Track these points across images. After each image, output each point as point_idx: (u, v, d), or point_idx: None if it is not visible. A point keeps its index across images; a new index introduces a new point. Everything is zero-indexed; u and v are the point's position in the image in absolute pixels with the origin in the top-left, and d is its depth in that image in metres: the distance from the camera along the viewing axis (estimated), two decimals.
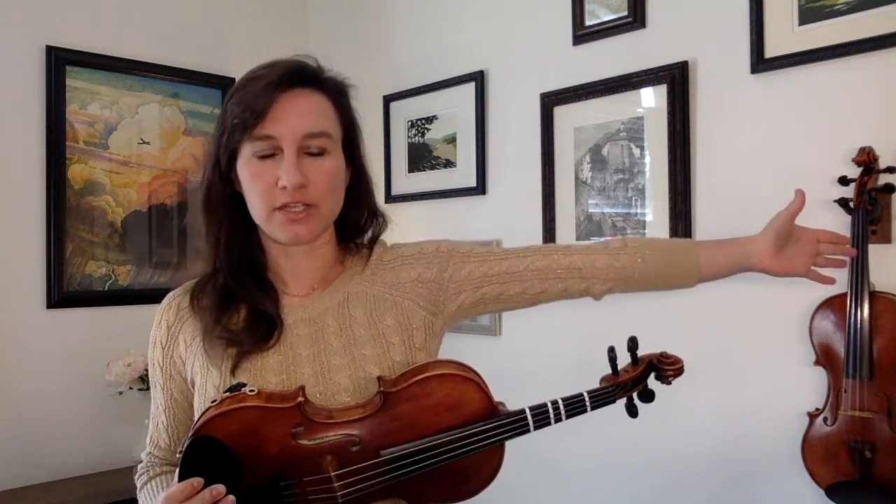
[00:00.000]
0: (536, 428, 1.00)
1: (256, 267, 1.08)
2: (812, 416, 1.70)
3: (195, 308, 1.08)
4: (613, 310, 2.13)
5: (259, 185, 1.00)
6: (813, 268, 1.19)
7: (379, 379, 0.99)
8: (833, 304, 1.67)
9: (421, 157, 2.69)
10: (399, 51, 2.79)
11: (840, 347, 1.64)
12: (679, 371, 1.09)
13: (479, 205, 2.51)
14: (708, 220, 1.94)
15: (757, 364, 1.86)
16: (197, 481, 0.88)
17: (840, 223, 1.68)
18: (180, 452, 0.91)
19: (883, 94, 1.65)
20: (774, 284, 1.81)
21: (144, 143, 2.68)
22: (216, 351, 1.03)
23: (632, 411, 1.08)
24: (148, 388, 1.21)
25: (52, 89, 2.47)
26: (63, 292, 2.48)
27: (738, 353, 1.89)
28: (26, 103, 2.44)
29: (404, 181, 2.74)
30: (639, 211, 2.08)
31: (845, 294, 1.62)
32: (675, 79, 1.97)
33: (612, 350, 1.07)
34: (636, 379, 1.07)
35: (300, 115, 1.00)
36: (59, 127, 2.48)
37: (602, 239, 1.20)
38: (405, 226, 2.77)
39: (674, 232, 1.98)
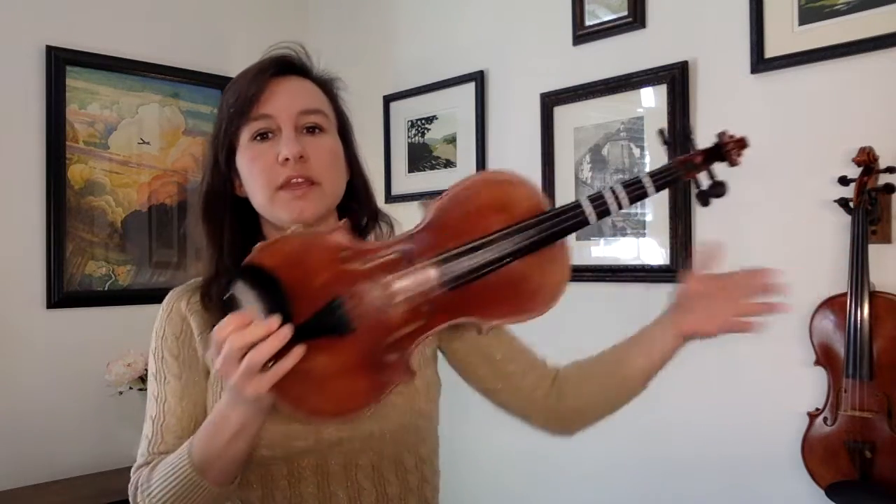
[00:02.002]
0: (599, 217, 0.91)
1: None
2: (812, 416, 1.70)
3: (205, 304, 1.05)
4: (615, 309, 2.13)
5: (258, 165, 1.00)
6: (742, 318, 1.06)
7: (422, 203, 0.94)
8: (833, 304, 1.67)
9: (421, 157, 2.69)
10: (399, 51, 2.79)
11: (840, 347, 1.64)
12: (742, 143, 0.97)
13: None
14: (707, 220, 1.94)
15: (757, 364, 1.86)
16: (248, 314, 0.80)
17: (840, 223, 1.68)
18: (227, 287, 0.83)
19: (883, 94, 1.65)
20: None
21: (144, 143, 2.68)
22: None
23: (703, 197, 0.96)
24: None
25: (52, 89, 2.47)
26: (63, 292, 2.48)
27: (738, 353, 1.89)
28: (26, 103, 2.44)
29: (404, 181, 2.74)
30: (639, 211, 2.08)
31: (845, 294, 1.62)
32: (675, 79, 1.97)
33: (662, 132, 0.96)
34: (702, 154, 0.96)
35: (293, 94, 1.02)
36: (59, 127, 2.48)
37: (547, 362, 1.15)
38: (405, 226, 2.77)
39: (673, 232, 1.98)
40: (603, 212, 0.93)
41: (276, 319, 0.79)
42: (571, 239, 0.95)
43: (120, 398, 2.35)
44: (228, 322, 0.80)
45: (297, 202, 0.99)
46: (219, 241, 1.05)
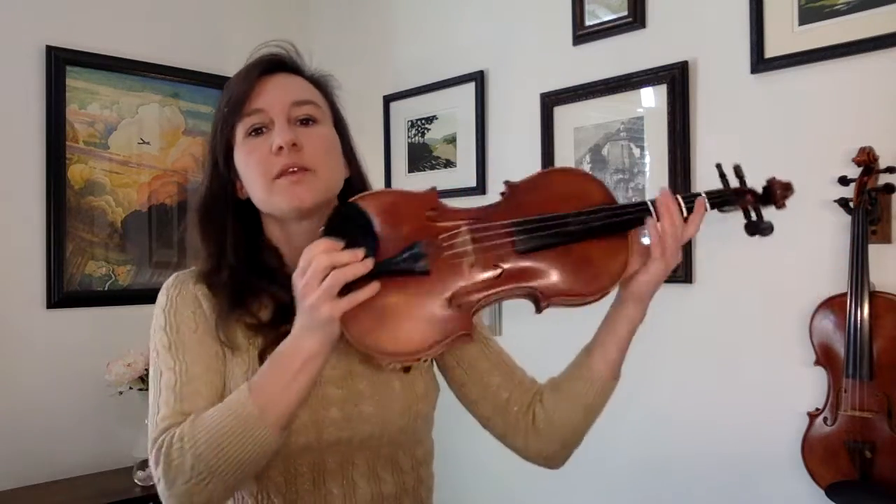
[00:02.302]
0: (659, 217, 0.99)
1: (269, 264, 1.06)
2: (812, 416, 1.70)
3: (213, 290, 1.04)
4: None
5: (254, 158, 1.00)
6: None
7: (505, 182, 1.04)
8: (833, 304, 1.67)
9: (421, 157, 2.69)
10: (399, 51, 2.79)
11: (840, 347, 1.64)
12: (788, 187, 1.06)
13: (479, 205, 2.50)
14: (707, 221, 1.94)
15: (757, 364, 1.86)
16: (337, 242, 0.87)
17: (840, 223, 1.69)
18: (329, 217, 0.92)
19: (883, 94, 1.65)
20: (774, 284, 1.82)
21: (144, 143, 2.68)
22: (235, 333, 1.00)
23: (751, 229, 1.05)
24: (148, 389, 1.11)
25: (52, 89, 2.47)
26: (63, 292, 2.48)
27: (738, 353, 1.89)
28: (26, 103, 2.44)
29: (404, 181, 2.74)
30: None
31: (845, 294, 1.62)
32: (675, 79, 1.97)
33: (720, 166, 1.06)
34: (752, 193, 1.05)
35: (284, 88, 1.03)
36: (59, 127, 2.48)
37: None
38: None
39: None
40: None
41: (362, 251, 0.86)
42: None
43: (120, 398, 2.35)
44: (319, 243, 0.86)
45: (294, 188, 0.99)
46: (220, 242, 1.04)
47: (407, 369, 1.05)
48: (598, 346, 1.06)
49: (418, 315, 0.89)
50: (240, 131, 1.02)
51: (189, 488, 0.88)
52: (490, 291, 0.93)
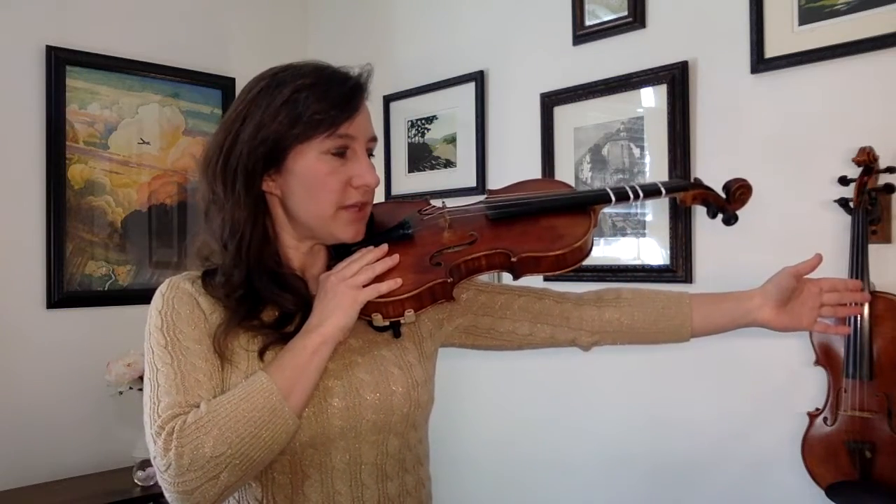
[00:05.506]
0: (618, 200, 1.12)
1: (281, 263, 1.06)
2: (812, 416, 1.70)
3: (209, 290, 1.03)
4: None
5: (334, 179, 1.01)
6: (820, 319, 1.18)
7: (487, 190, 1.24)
8: None
9: (421, 157, 2.69)
10: (399, 51, 2.79)
11: (840, 347, 1.64)
12: (745, 187, 1.19)
13: None
14: (707, 221, 1.94)
15: (757, 364, 1.86)
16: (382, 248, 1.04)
17: (840, 223, 1.69)
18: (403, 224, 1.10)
19: (883, 94, 1.65)
20: None
21: (144, 143, 2.69)
22: (237, 336, 1.00)
23: (713, 213, 1.22)
24: None
25: (52, 89, 2.47)
26: (63, 292, 2.48)
27: (738, 354, 1.89)
28: (26, 103, 2.45)
29: (404, 181, 2.74)
30: (639, 211, 2.08)
31: None
32: (675, 79, 1.97)
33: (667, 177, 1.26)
34: (707, 188, 1.20)
35: (367, 120, 1.07)
36: (59, 127, 2.48)
37: (601, 287, 1.26)
38: None
39: (674, 232, 1.98)
40: (621, 194, 1.12)
41: (385, 246, 1.05)
42: None
43: (120, 398, 2.35)
44: (373, 250, 1.03)
45: (355, 224, 1.05)
46: (248, 229, 1.02)
47: (396, 332, 1.07)
48: (700, 305, 1.18)
49: (403, 268, 1.03)
50: (320, 144, 1.00)
51: (203, 475, 0.87)
52: (468, 256, 1.05)
